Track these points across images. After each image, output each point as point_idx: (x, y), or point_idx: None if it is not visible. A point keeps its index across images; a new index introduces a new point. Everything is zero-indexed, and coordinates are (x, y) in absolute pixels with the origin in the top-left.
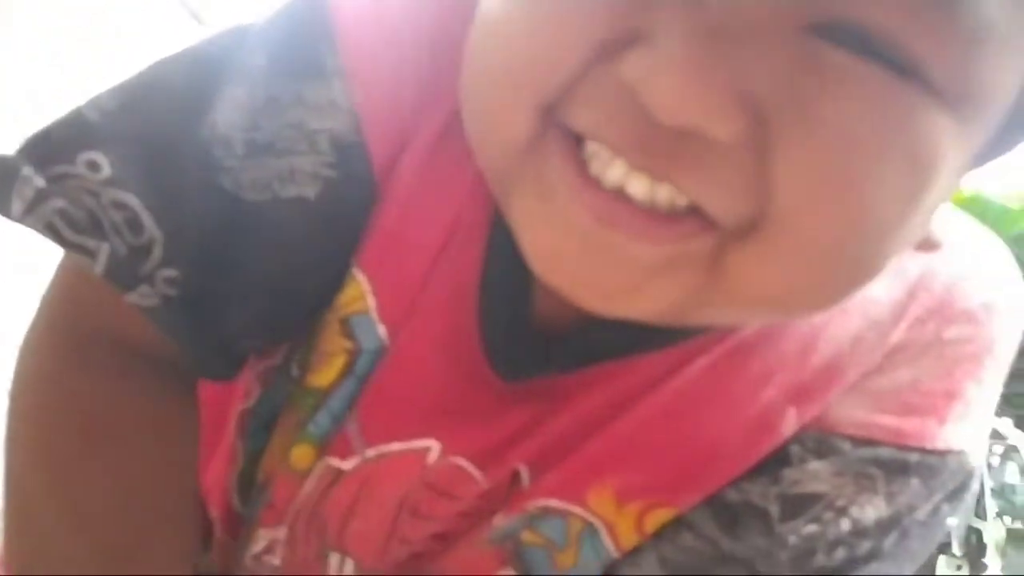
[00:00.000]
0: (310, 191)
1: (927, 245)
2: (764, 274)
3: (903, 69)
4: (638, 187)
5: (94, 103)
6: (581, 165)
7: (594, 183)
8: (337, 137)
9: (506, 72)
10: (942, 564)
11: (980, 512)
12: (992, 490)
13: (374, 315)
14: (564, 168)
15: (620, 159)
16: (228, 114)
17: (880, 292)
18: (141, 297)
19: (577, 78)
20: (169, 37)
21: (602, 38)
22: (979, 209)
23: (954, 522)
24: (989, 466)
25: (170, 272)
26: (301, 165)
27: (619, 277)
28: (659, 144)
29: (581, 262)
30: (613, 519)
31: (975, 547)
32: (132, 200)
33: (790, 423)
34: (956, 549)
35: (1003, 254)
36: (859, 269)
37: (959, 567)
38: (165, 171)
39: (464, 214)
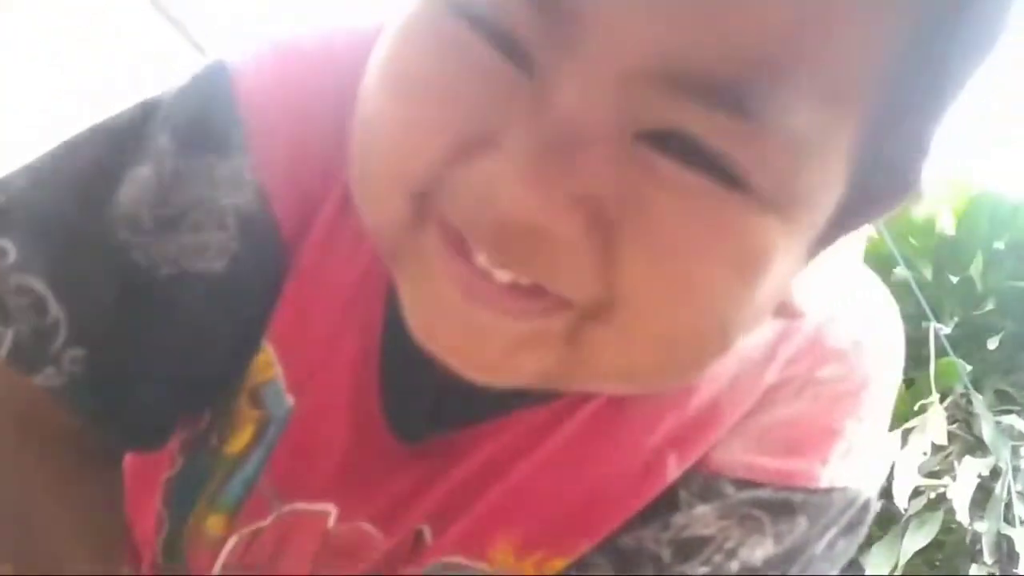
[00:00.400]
0: (218, 265)
1: (786, 313)
2: (614, 352)
3: (727, 176)
4: (501, 275)
5: (3, 185)
6: (458, 243)
7: (467, 259)
8: (244, 212)
9: (380, 162)
10: (973, 572)
11: (1010, 518)
12: (1019, 494)
13: (281, 383)
14: (439, 247)
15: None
16: (135, 192)
17: (751, 333)
18: (46, 378)
19: (440, 174)
20: (171, 36)
21: (457, 140)
22: (988, 207)
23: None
24: (1016, 470)
25: (76, 351)
26: (209, 240)
27: (486, 350)
28: (512, 239)
29: (452, 335)
30: (514, 572)
31: (1006, 555)
32: (37, 283)
33: (672, 469)
34: (987, 557)
35: (878, 293)
36: (702, 350)
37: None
38: (70, 251)
39: (365, 282)
